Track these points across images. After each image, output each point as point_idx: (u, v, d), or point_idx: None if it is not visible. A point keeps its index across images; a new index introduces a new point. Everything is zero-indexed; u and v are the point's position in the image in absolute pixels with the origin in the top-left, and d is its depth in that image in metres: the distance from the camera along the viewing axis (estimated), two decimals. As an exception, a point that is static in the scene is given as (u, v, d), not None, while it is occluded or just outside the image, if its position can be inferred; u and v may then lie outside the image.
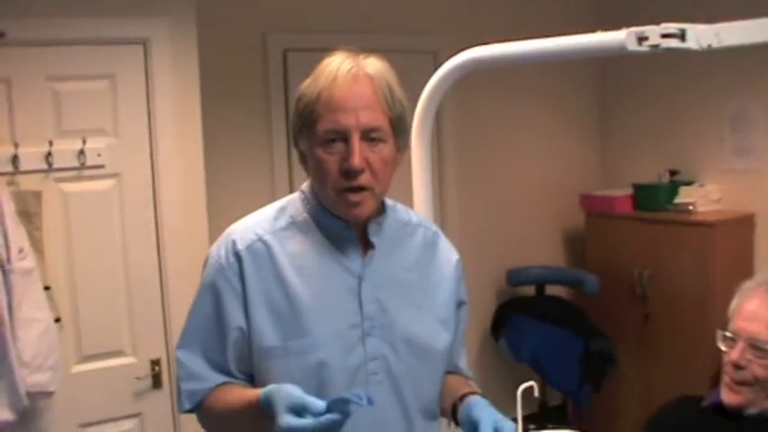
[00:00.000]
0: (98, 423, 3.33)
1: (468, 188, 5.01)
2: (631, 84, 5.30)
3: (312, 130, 1.77)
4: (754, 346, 2.31)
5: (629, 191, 5.03)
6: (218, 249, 1.86)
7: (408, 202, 2.35)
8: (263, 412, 1.63)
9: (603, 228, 5.10)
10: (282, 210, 1.90)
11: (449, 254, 2.04)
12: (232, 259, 1.82)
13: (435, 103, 2.45)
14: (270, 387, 1.64)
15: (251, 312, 1.80)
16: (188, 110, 3.47)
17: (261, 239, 1.83)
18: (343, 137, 1.73)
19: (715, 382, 2.52)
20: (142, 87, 3.38)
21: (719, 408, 2.42)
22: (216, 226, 3.50)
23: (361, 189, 1.75)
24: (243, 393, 1.76)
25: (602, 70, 5.51)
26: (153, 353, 3.43)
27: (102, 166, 3.29)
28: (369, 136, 1.74)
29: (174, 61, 3.41)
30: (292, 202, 1.91)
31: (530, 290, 5.15)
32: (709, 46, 1.84)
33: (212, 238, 3.43)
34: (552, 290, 5.17)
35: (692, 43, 1.83)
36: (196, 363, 1.84)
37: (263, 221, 1.87)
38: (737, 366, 2.33)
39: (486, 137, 5.09)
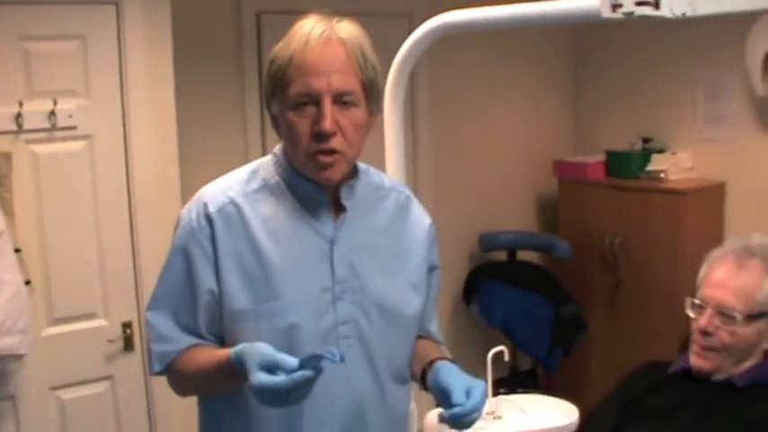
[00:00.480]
0: (69, 386, 3.33)
1: (441, 153, 5.00)
2: (605, 51, 5.30)
3: (284, 94, 1.76)
4: (721, 312, 2.34)
5: (601, 158, 5.05)
6: (190, 212, 1.85)
7: (381, 165, 2.35)
8: (233, 371, 1.63)
9: (576, 194, 5.12)
10: (254, 173, 1.89)
11: (421, 218, 2.03)
12: (203, 222, 1.81)
13: (409, 67, 2.44)
14: (241, 345, 1.64)
15: (222, 275, 1.79)
16: (160, 71, 3.43)
17: (233, 202, 1.82)
18: (315, 100, 1.73)
19: (684, 348, 2.55)
20: (114, 48, 3.33)
21: (687, 373, 2.45)
22: (188, 188, 3.47)
23: (332, 152, 1.75)
24: (213, 353, 1.76)
25: (575, 37, 5.51)
26: (124, 315, 3.42)
27: (73, 128, 3.26)
28: (341, 100, 1.74)
29: (146, 22, 3.37)
30: (264, 165, 1.90)
31: (502, 255, 5.16)
32: (683, 14, 1.84)
33: (185, 200, 3.41)
34: (524, 255, 5.19)
35: (666, 11, 1.84)
36: (166, 325, 1.83)
37: (235, 184, 1.86)
38: (705, 333, 2.36)
39: (460, 102, 5.08)
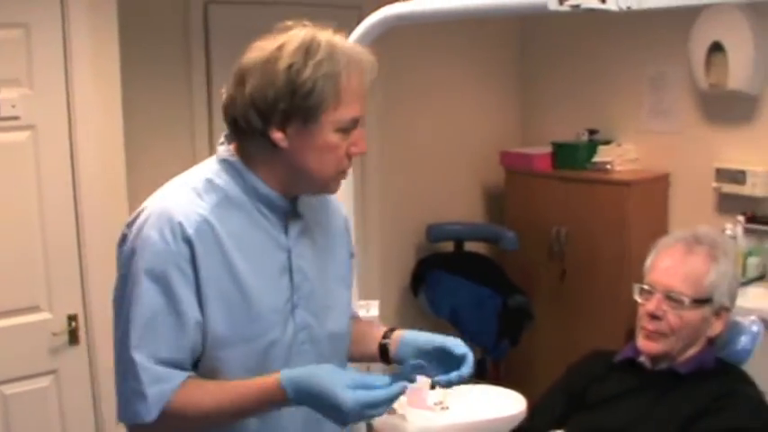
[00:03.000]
0: (13, 380, 3.27)
1: (388, 144, 5.00)
2: (552, 42, 5.34)
3: (328, 113, 1.70)
4: (669, 297, 2.39)
5: (548, 149, 5.08)
6: (160, 232, 1.67)
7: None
8: (280, 398, 1.63)
9: (522, 185, 5.16)
10: (210, 182, 1.76)
11: (339, 209, 2.03)
12: (182, 245, 1.67)
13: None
14: (297, 372, 1.64)
15: (203, 301, 1.68)
16: (106, 60, 3.39)
17: (205, 220, 1.70)
18: (358, 123, 1.75)
19: (629, 336, 2.59)
20: (59, 37, 3.28)
21: (632, 362, 2.49)
22: (134, 179, 3.46)
23: None
24: (243, 383, 1.67)
25: (522, 28, 5.54)
26: (69, 308, 3.38)
27: (16, 118, 3.20)
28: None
29: (91, 11, 3.32)
30: (217, 173, 1.78)
31: (449, 245, 5.19)
32: (628, 8, 1.86)
33: (130, 192, 3.39)
34: (471, 246, 5.22)
35: (611, 5, 1.85)
36: (156, 363, 1.66)
37: (196, 197, 1.73)
38: (654, 317, 2.40)
39: (406, 93, 5.08)
